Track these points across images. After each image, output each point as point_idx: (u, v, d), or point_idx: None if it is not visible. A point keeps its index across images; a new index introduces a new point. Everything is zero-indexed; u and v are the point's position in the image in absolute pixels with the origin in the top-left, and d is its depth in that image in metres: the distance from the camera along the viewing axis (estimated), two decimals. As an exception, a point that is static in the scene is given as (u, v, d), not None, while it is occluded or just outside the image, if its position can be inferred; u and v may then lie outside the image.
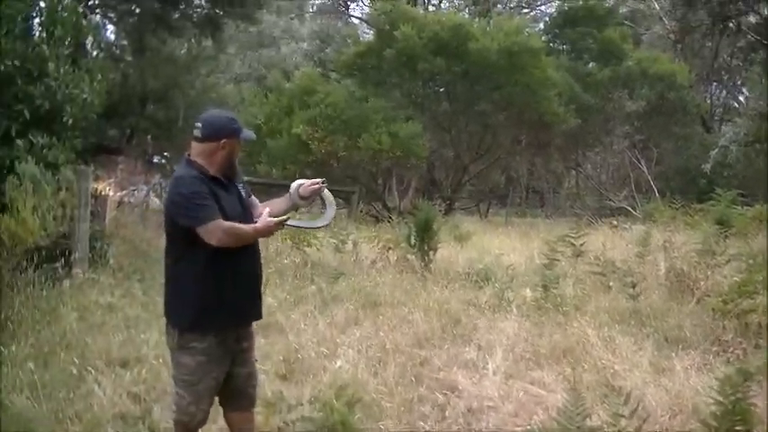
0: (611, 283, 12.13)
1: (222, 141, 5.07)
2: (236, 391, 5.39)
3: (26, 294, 9.47)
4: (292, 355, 8.45)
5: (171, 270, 5.23)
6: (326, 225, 5.55)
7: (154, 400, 6.93)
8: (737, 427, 5.32)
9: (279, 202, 5.42)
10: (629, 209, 28.80)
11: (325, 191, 5.48)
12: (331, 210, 5.49)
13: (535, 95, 30.31)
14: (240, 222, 5.02)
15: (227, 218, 4.90)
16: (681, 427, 6.48)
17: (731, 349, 8.88)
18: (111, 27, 20.93)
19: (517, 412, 7.08)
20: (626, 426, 5.76)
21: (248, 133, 5.25)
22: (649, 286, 11.85)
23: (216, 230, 4.87)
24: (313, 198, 5.50)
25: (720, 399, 5.39)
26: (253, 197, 5.46)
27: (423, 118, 30.99)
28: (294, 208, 5.46)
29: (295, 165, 28.71)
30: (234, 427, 5.56)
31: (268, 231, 4.99)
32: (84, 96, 11.84)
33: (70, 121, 11.67)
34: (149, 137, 20.40)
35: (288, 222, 5.04)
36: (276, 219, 4.94)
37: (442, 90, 32.86)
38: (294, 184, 5.42)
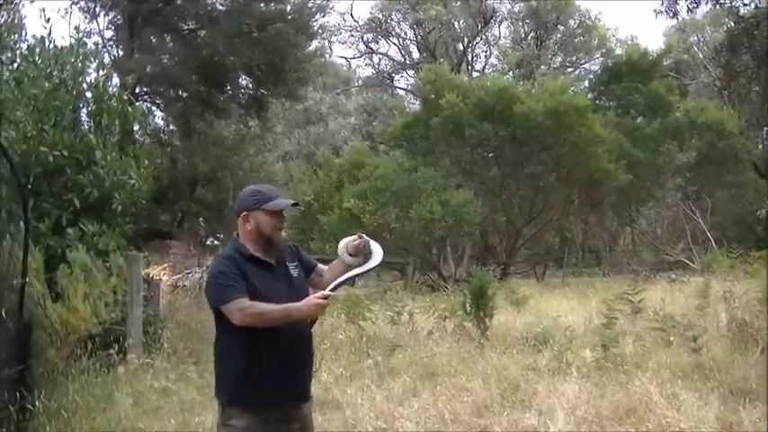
0: (671, 338, 11.95)
1: (243, 214, 5.04)
2: None
3: (80, 382, 9.44)
4: (350, 430, 8.34)
5: (215, 345, 5.18)
6: (369, 269, 5.41)
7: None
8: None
9: (335, 265, 5.34)
10: (687, 261, 28.54)
11: (370, 241, 5.37)
12: (376, 256, 5.35)
13: (584, 154, 30.20)
14: (285, 302, 4.90)
15: (261, 297, 4.79)
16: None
17: (801, 400, 8.67)
18: (158, 113, 21.21)
19: (582, 477, 6.93)
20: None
21: (277, 203, 5.07)
22: (711, 338, 11.68)
23: (234, 310, 4.80)
24: (362, 252, 5.35)
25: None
26: (319, 267, 5.38)
27: (473, 184, 31.03)
28: (348, 267, 5.34)
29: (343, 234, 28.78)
30: None
31: (311, 308, 4.79)
32: (132, 182, 11.93)
33: (119, 208, 11.77)
34: (200, 219, 20.54)
35: (333, 284, 4.96)
36: (319, 293, 4.81)
37: (490, 155, 32.78)
38: (341, 244, 5.33)
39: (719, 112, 34.76)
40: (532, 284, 28.10)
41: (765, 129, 43.09)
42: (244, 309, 4.78)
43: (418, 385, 10.51)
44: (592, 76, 43.15)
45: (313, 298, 4.80)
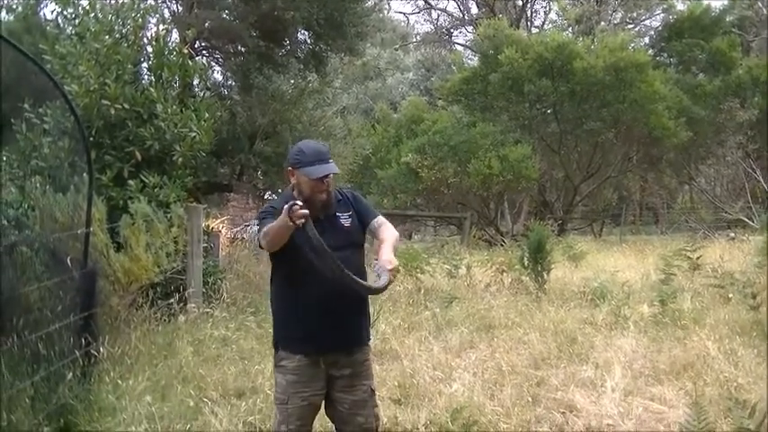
0: (730, 296, 11.89)
1: (288, 170, 5.21)
2: (341, 419, 5.36)
3: (142, 330, 9.59)
4: (407, 380, 8.40)
5: (270, 291, 5.42)
6: (375, 290, 5.41)
7: (269, 429, 6.95)
8: None
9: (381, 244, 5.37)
10: (746, 220, 28.21)
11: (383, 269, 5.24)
12: (383, 280, 5.34)
13: (643, 111, 29.99)
14: (335, 254, 4.91)
15: (302, 249, 4.88)
16: (809, 440, 6.28)
17: None
18: (217, 68, 21.27)
19: (638, 429, 6.94)
20: (751, 439, 5.60)
21: (311, 170, 5.11)
22: (771, 297, 11.57)
23: (261, 236, 5.01)
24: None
25: None
26: (374, 224, 5.42)
27: (531, 140, 30.91)
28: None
29: (405, 193, 28.87)
30: None
31: (284, 217, 4.69)
32: (193, 135, 12.00)
33: (180, 160, 11.85)
34: (259, 173, 20.59)
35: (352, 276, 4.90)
36: (300, 211, 4.66)
37: (549, 111, 32.61)
38: (385, 261, 5.18)
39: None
40: (589, 241, 28.01)
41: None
42: (260, 238, 5.01)
43: (475, 337, 10.56)
44: (652, 33, 42.54)
45: (285, 207, 4.70)
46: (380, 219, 5.49)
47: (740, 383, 7.73)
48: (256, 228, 5.15)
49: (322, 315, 5.07)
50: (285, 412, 5.22)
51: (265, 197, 21.89)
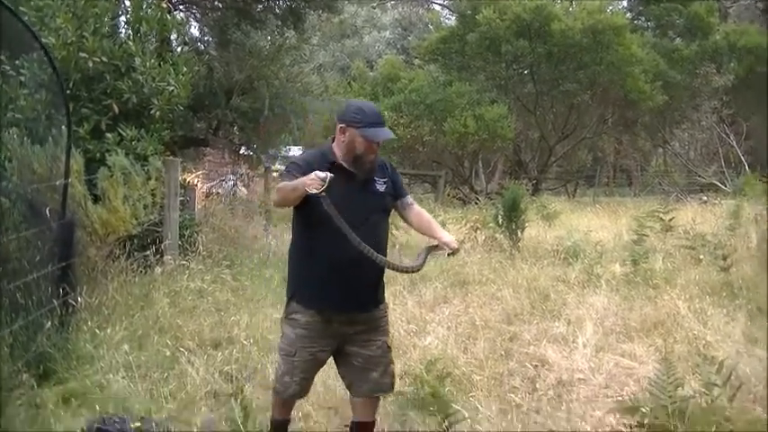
0: (701, 257, 12.03)
1: (341, 126, 5.15)
2: (355, 374, 5.40)
3: (119, 281, 9.61)
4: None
5: (291, 243, 5.44)
6: (409, 270, 5.50)
7: (246, 378, 7.05)
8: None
9: (425, 220, 5.50)
10: (719, 184, 28.42)
11: (433, 251, 5.45)
12: (419, 263, 5.35)
13: (620, 73, 30.05)
14: (365, 219, 5.08)
15: (338, 207, 4.81)
16: (776, 397, 6.42)
17: (827, 319, 8.78)
18: (194, 23, 21.17)
19: (608, 384, 7.07)
20: (719, 395, 5.72)
21: (373, 132, 5.13)
22: (741, 258, 11.71)
23: (277, 189, 5.11)
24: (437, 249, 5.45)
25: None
26: (407, 199, 5.52)
27: (507, 100, 30.93)
28: (432, 238, 5.47)
29: (381, 151, 28.81)
30: (354, 408, 5.57)
31: (308, 181, 4.74)
32: (171, 89, 11.98)
33: (157, 114, 11.83)
34: (235, 128, 20.55)
35: (384, 261, 5.03)
36: (321, 174, 4.73)
37: (525, 72, 32.71)
38: (449, 240, 5.38)
39: (760, 36, 34.25)
40: (563, 201, 28.13)
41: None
42: (278, 188, 5.07)
43: (449, 292, 10.69)
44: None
45: (317, 173, 4.73)
46: (411, 198, 5.57)
47: (709, 341, 7.88)
48: (284, 175, 5.16)
49: (341, 275, 5.07)
50: (291, 364, 5.27)
51: (241, 152, 21.87)
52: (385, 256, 5.15)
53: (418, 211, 5.53)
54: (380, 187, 5.30)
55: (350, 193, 5.06)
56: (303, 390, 5.40)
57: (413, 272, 5.44)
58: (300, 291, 5.25)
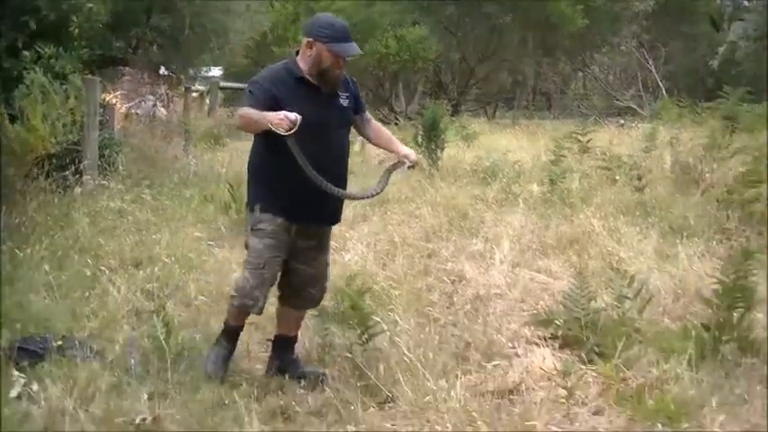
0: (617, 177, 12.24)
1: (309, 41, 5.14)
2: (294, 288, 5.51)
3: (38, 201, 9.50)
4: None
5: (250, 155, 5.46)
6: (369, 196, 5.63)
7: (167, 295, 7.07)
8: (738, 304, 5.45)
9: (385, 136, 5.66)
10: (637, 108, 28.80)
11: (394, 171, 5.56)
12: (381, 185, 5.47)
13: (541, -4, 30.08)
14: (330, 132, 5.16)
15: (310, 122, 4.87)
16: (684, 310, 6.63)
17: (734, 237, 9.05)
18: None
19: (524, 298, 7.25)
20: (630, 307, 5.91)
21: (343, 47, 5.14)
22: (655, 179, 11.99)
23: (238, 116, 5.18)
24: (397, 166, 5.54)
25: (722, 277, 5.51)
26: (366, 115, 5.59)
27: (429, 21, 30.86)
28: (391, 152, 5.64)
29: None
30: (281, 321, 5.69)
31: (276, 119, 4.78)
32: (90, 6, 11.78)
33: (76, 31, 11.66)
34: (155, 47, 20.29)
35: (339, 192, 5.16)
36: (286, 113, 4.78)
37: (448, -7, 32.60)
38: (408, 152, 5.51)
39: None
40: (483, 123, 28.19)
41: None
42: (243, 114, 5.09)
43: (368, 210, 10.77)
44: None
45: (283, 113, 4.80)
46: (368, 114, 5.64)
47: (622, 257, 8.07)
48: (245, 95, 5.25)
49: (310, 188, 5.03)
50: (260, 277, 5.26)
51: (161, 72, 21.63)
52: (347, 168, 5.35)
53: (377, 126, 5.67)
54: (344, 102, 5.32)
55: (315, 107, 5.07)
56: (264, 305, 5.42)
57: (373, 197, 5.63)
58: (268, 200, 5.22)
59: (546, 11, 30.56)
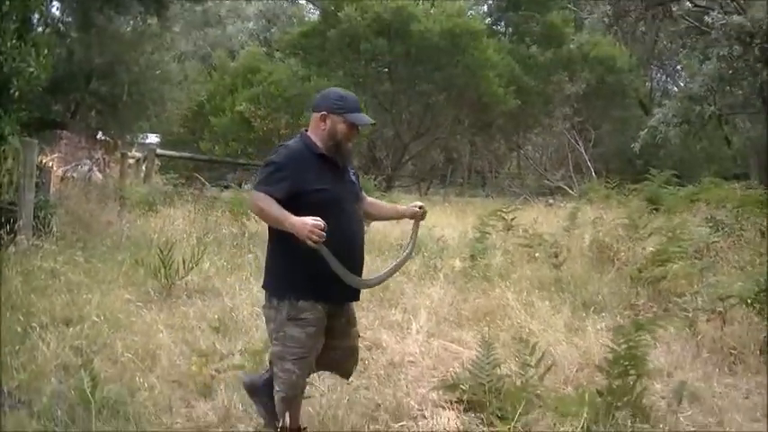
0: (536, 254, 12.58)
1: (322, 114, 5.19)
2: (335, 363, 5.59)
3: (-29, 259, 9.67)
4: (227, 315, 8.85)
5: (273, 243, 5.39)
6: (402, 263, 5.93)
7: (95, 352, 7.24)
8: (630, 372, 5.80)
9: (383, 205, 6.00)
10: (566, 188, 29.42)
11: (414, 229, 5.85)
12: (411, 245, 5.83)
13: (475, 76, 30.84)
14: (350, 207, 5.27)
15: (330, 193, 5.08)
16: (587, 380, 6.95)
17: (641, 312, 9.45)
18: (56, 3, 21.06)
19: (435, 365, 7.57)
20: (533, 374, 6.25)
21: (358, 117, 5.25)
22: (573, 257, 12.34)
23: (253, 198, 5.15)
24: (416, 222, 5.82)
25: (614, 346, 5.87)
26: (362, 192, 5.63)
27: (364, 97, 31.26)
28: (400, 217, 5.91)
29: (237, 142, 28.96)
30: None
31: (302, 228, 4.81)
32: (31, 70, 12.01)
33: (17, 94, 11.86)
34: (93, 112, 20.52)
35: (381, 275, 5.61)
36: (314, 222, 4.79)
37: (384, 70, 33.43)
38: (417, 204, 5.79)
39: (612, 49, 35.37)
40: (414, 198, 28.50)
41: (655, 68, 43.97)
42: (258, 199, 5.03)
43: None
44: (491, 2, 43.41)
45: (309, 222, 4.78)
46: (364, 193, 5.69)
47: (532, 329, 8.38)
48: (264, 174, 5.15)
49: (347, 267, 5.08)
50: (307, 366, 5.24)
51: (98, 137, 21.82)
52: (363, 245, 5.39)
53: (371, 200, 5.82)
54: (353, 177, 5.44)
55: (339, 182, 5.22)
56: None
57: (403, 264, 5.96)
58: (305, 287, 5.10)
59: (479, 90, 31.30)
